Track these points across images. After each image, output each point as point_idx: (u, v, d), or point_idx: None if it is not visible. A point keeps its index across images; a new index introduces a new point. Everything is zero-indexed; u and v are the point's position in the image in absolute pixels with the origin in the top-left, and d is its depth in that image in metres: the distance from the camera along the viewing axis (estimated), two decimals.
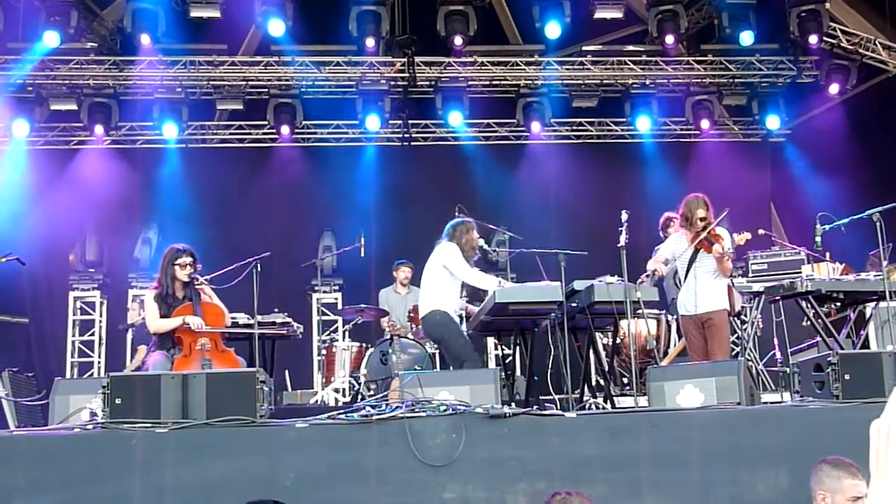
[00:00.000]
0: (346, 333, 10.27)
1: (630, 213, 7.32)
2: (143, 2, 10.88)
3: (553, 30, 11.40)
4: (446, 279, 7.41)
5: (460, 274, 7.32)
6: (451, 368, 7.55)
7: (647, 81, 12.37)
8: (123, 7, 11.19)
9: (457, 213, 7.90)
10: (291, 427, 5.02)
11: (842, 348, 7.02)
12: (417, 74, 11.94)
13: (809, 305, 7.44)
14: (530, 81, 12.26)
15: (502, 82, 12.36)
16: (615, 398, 7.67)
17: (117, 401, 5.04)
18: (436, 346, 7.50)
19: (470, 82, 12.19)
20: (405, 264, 10.11)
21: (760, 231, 9.00)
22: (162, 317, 6.94)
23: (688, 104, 12.44)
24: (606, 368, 8.07)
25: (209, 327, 6.90)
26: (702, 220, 7.06)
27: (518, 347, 7.96)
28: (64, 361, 11.39)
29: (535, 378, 7.78)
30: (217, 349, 6.89)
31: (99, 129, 11.71)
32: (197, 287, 7.05)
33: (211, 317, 6.98)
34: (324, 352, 10.03)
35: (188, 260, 7.00)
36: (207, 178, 12.06)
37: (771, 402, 6.58)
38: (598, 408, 7.37)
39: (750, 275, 9.51)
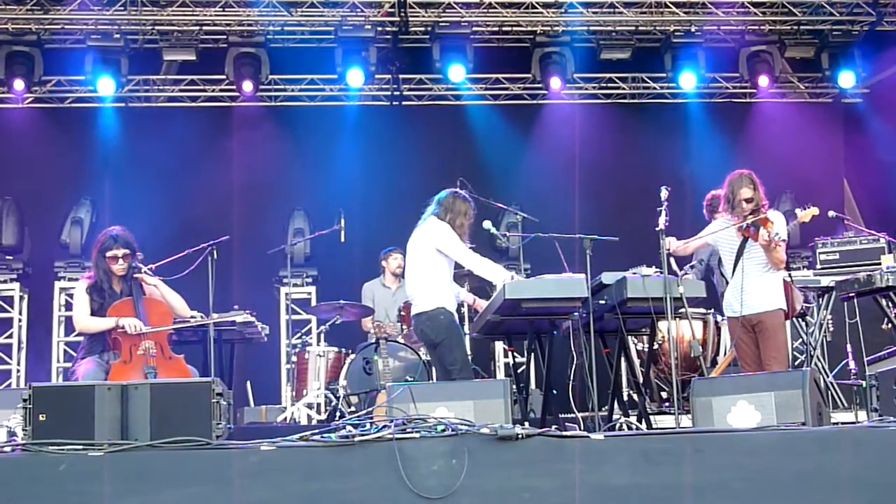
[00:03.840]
0: (322, 336, 10.28)
1: (671, 189, 7.31)
2: None
3: None
4: (443, 267, 7.40)
5: (461, 259, 7.32)
6: (437, 379, 7.57)
7: (693, 28, 12.32)
8: None
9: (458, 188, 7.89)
10: (255, 450, 5.01)
11: None
12: (410, 18, 11.89)
13: (891, 304, 7.45)
14: (549, 28, 12.21)
15: (515, 29, 12.31)
16: (652, 416, 7.68)
17: (41, 417, 5.03)
18: (429, 348, 7.52)
19: (475, 28, 12.14)
20: (396, 251, 10.12)
21: (831, 213, 9.00)
22: (94, 313, 6.94)
23: (742, 56, 12.39)
24: (641, 380, 8.07)
25: (152, 327, 6.88)
26: (747, 201, 7.09)
27: (533, 354, 7.96)
28: None
29: (554, 392, 7.79)
30: (164, 355, 6.89)
31: (18, 84, 11.65)
32: (138, 278, 7.03)
33: (156, 316, 6.99)
34: (294, 358, 10.05)
35: (121, 252, 7.00)
36: (152, 145, 12.02)
37: (843, 423, 6.58)
38: (630, 428, 7.38)
39: (818, 266, 9.52)
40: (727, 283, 8.93)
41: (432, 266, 7.40)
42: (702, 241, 7.45)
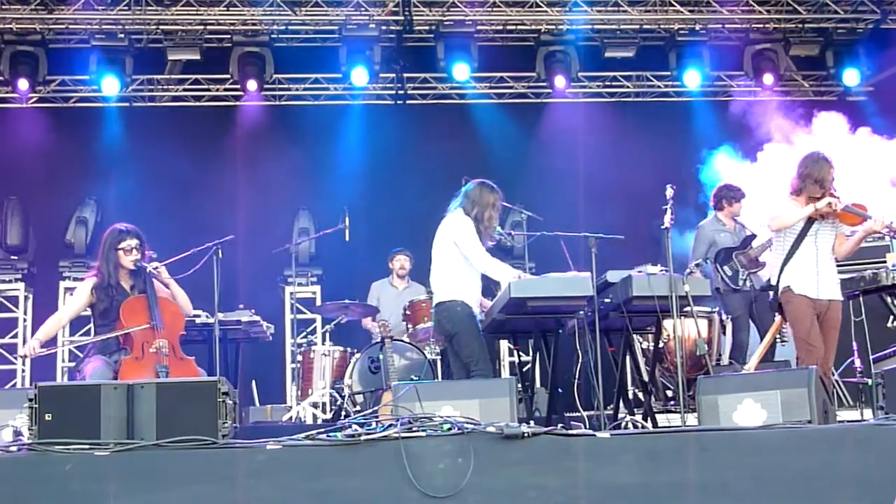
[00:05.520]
0: (327, 335, 10.29)
1: (676, 188, 7.30)
2: None
3: None
4: (464, 260, 7.36)
5: (471, 255, 7.27)
6: (454, 374, 7.56)
7: (697, 27, 12.32)
8: None
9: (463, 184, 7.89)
10: (261, 449, 5.02)
11: None
12: (414, 17, 11.89)
13: None
14: (553, 27, 12.22)
15: (519, 27, 12.31)
16: (657, 415, 7.68)
17: (47, 417, 5.04)
18: (444, 341, 7.51)
19: (479, 27, 12.15)
20: (402, 253, 10.18)
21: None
22: (104, 311, 6.94)
23: (747, 55, 12.39)
24: (647, 379, 8.07)
25: (164, 327, 6.88)
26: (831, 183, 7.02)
27: (538, 353, 7.97)
28: None
29: (560, 390, 7.79)
30: (175, 355, 6.91)
31: (23, 83, 11.67)
32: (157, 273, 7.05)
33: (168, 315, 7.02)
34: (299, 358, 10.06)
35: (133, 243, 7.02)
36: (156, 145, 12.02)
37: (849, 421, 6.58)
38: (636, 427, 7.38)
39: None
40: (722, 278, 8.95)
41: (453, 259, 7.34)
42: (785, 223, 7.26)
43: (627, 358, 8.04)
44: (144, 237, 7.14)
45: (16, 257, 11.58)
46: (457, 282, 7.30)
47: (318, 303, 11.36)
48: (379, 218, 11.67)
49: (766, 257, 8.98)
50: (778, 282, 7.09)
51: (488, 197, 7.40)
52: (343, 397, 9.35)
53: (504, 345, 11.13)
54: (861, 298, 8.31)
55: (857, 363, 8.43)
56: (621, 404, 7.92)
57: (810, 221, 6.99)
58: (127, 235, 7.04)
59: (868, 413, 7.07)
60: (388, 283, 10.40)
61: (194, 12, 11.79)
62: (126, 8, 11.58)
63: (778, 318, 7.49)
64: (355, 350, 9.83)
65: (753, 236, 9.31)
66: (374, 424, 5.17)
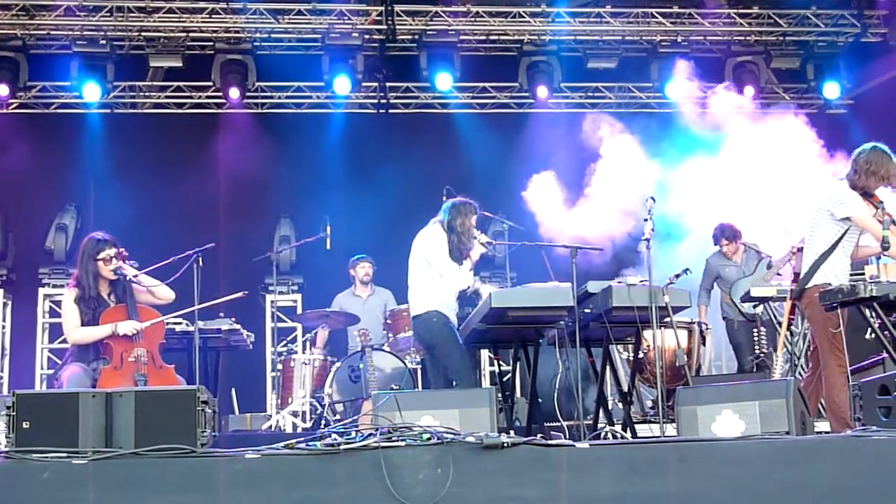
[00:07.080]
0: (308, 344, 10.27)
1: (657, 199, 7.33)
2: None
3: None
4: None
5: (437, 264, 7.35)
6: (432, 383, 7.57)
7: (679, 38, 12.40)
8: None
9: (444, 197, 7.93)
10: (240, 458, 5.00)
11: None
12: (397, 26, 11.92)
13: (874, 314, 7.45)
14: (536, 37, 12.27)
15: (502, 37, 12.36)
16: (636, 425, 7.69)
17: (25, 425, 5.01)
18: (422, 353, 7.55)
19: (462, 37, 12.19)
20: (364, 259, 10.22)
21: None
22: (85, 323, 6.91)
23: (728, 67, 12.47)
24: (626, 389, 8.09)
25: (143, 334, 6.88)
26: None
27: (518, 363, 7.98)
28: None
29: (540, 400, 7.81)
30: (155, 364, 6.89)
31: (3, 89, 11.64)
32: (134, 279, 7.03)
33: (148, 325, 6.98)
34: (279, 367, 10.05)
35: (112, 252, 6.98)
36: (138, 151, 12.01)
37: (827, 432, 6.61)
38: (615, 437, 7.40)
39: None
40: (740, 311, 9.01)
41: (425, 271, 7.43)
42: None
43: (607, 368, 8.05)
44: (121, 246, 7.10)
45: None
46: (430, 293, 7.39)
47: (299, 311, 11.35)
48: (360, 227, 11.67)
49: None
50: (811, 274, 6.94)
51: (461, 207, 7.55)
52: (323, 406, 9.34)
53: (485, 354, 11.15)
54: (839, 311, 8.35)
55: None
56: (601, 414, 7.93)
57: (847, 220, 6.82)
58: (105, 245, 7.01)
59: None
60: (352, 293, 10.41)
61: (176, 19, 11.78)
62: (108, 14, 11.56)
63: (788, 303, 7.37)
64: (335, 359, 9.83)
65: (768, 258, 9.43)
66: (353, 434, 5.16)
